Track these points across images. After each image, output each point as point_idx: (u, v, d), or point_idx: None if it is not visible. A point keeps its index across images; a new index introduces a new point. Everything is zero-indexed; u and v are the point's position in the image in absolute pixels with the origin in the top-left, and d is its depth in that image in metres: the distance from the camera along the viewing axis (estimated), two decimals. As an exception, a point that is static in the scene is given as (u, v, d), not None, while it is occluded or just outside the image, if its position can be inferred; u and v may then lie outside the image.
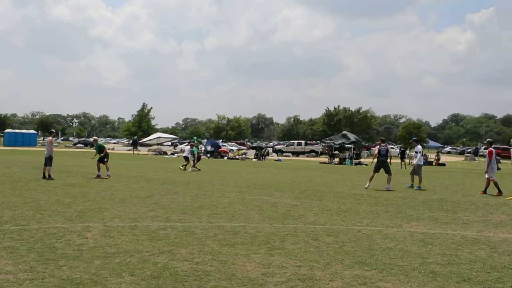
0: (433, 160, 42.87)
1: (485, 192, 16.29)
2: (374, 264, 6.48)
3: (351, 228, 9.18)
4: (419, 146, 18.97)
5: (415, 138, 22.61)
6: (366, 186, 17.12)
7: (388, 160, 17.18)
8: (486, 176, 16.40)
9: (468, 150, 69.99)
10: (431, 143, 58.62)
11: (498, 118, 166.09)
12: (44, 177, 17.28)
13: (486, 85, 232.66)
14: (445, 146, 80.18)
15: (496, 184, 16.12)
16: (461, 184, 20.00)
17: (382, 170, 17.04)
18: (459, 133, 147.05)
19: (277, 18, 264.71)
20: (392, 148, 65.20)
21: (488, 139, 18.79)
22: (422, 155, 18.70)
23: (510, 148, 40.14)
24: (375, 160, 17.56)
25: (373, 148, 67.03)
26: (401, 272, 6.14)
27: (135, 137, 58.68)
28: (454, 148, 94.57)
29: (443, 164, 40.32)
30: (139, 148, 54.52)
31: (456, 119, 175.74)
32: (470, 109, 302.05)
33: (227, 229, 8.70)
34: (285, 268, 6.21)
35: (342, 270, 6.15)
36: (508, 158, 47.45)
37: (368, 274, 6.02)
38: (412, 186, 17.72)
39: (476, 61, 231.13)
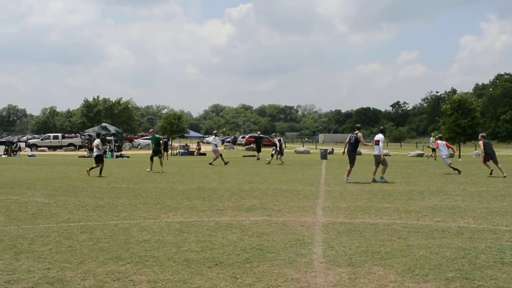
0: (194, 150, 44.50)
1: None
2: (129, 257, 6.37)
3: (108, 223, 8.92)
4: (381, 135, 17.64)
5: (381, 127, 19.59)
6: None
7: None
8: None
9: (228, 139, 74.27)
10: (192, 133, 60.75)
11: (254, 108, 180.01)
12: None
13: (244, 76, 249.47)
14: (206, 136, 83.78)
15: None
16: (219, 172, 21.04)
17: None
18: (220, 123, 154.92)
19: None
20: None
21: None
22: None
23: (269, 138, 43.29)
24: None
25: (136, 140, 66.70)
26: (156, 263, 6.14)
27: None
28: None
29: (204, 154, 42.02)
30: None
31: (216, 109, 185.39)
32: (230, 100, 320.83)
33: (-36, 236, 7.72)
34: (32, 272, 5.73)
35: (95, 268, 5.91)
36: (268, 146, 51.74)
37: (123, 268, 5.89)
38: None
39: (235, 53, 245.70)
